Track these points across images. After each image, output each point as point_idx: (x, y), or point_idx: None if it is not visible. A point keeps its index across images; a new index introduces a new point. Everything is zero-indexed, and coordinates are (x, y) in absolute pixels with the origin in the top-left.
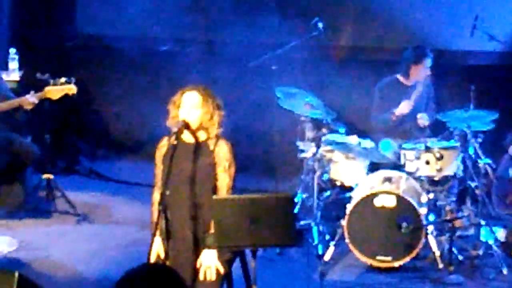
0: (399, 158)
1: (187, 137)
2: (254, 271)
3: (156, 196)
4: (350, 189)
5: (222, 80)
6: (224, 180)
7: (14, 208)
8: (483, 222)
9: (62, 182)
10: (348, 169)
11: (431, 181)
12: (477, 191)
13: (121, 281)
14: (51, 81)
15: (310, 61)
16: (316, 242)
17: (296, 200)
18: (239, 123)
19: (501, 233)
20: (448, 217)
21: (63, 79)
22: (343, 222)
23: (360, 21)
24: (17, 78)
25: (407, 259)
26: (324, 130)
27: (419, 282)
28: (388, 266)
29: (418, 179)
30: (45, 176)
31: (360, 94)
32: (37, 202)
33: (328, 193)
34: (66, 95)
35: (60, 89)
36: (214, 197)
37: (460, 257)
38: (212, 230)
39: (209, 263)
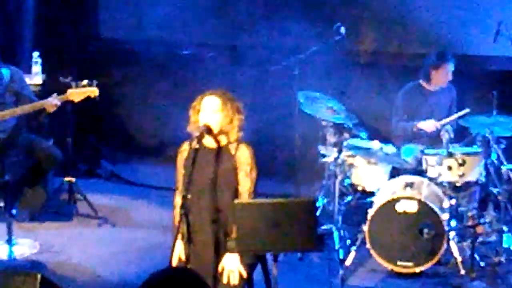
0: (421, 164)
1: (208, 141)
2: (276, 275)
3: (178, 200)
4: (372, 194)
5: (244, 84)
6: (245, 184)
7: (36, 211)
8: (505, 228)
9: (84, 185)
10: (370, 174)
11: (453, 186)
12: (499, 197)
13: (145, 284)
14: (74, 84)
15: (332, 66)
16: (337, 247)
17: (317, 204)
18: (260, 127)
19: None
20: (470, 223)
21: (85, 82)
22: (364, 227)
23: (382, 26)
24: (40, 82)
25: (429, 265)
26: (345, 135)
27: None
28: (409, 272)
29: (440, 184)
30: (67, 179)
31: (382, 99)
32: (58, 205)
33: (349, 198)
34: (88, 98)
35: (82, 91)
36: (236, 201)
37: (482, 264)
38: (233, 235)
39: (232, 267)
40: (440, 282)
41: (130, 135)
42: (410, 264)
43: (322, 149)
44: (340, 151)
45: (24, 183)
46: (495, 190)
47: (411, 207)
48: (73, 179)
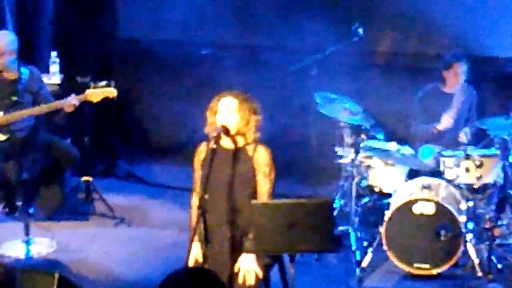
0: (438, 165)
1: (225, 142)
2: (293, 276)
3: (195, 200)
4: (389, 195)
5: (262, 84)
6: (264, 186)
7: (53, 210)
8: None
9: (100, 185)
10: (387, 176)
11: (471, 188)
12: None
13: (163, 284)
14: (92, 84)
15: (350, 67)
16: (353, 248)
17: (334, 205)
18: (278, 128)
19: None
20: (487, 225)
21: (103, 82)
22: (381, 229)
23: (400, 27)
24: (58, 81)
25: (446, 267)
26: (363, 136)
27: None
28: (426, 274)
29: (457, 186)
30: (84, 178)
31: (400, 100)
32: (75, 204)
33: (366, 199)
34: (106, 98)
35: (100, 92)
36: (253, 202)
37: (499, 266)
38: (250, 235)
39: (248, 267)
40: (457, 284)
41: (147, 135)
42: (427, 266)
43: (339, 150)
44: (357, 152)
45: (41, 182)
46: None
47: (428, 209)
48: (90, 179)
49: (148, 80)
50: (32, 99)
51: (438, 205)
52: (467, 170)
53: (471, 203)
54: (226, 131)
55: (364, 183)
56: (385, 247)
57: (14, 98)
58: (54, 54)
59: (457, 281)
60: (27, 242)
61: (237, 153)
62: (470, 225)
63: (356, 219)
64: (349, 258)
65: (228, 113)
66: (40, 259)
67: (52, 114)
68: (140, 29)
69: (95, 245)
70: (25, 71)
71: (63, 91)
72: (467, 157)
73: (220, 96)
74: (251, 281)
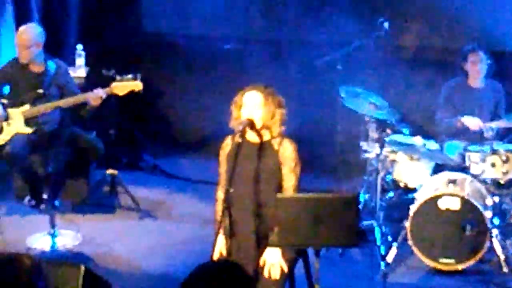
0: (464, 160)
1: (250, 136)
2: (317, 270)
3: (220, 194)
4: (414, 190)
5: (287, 79)
6: (290, 180)
7: (78, 203)
8: None
9: (125, 178)
10: (412, 170)
11: (497, 184)
12: None
13: (190, 276)
14: (117, 77)
15: (375, 61)
16: (378, 243)
17: (359, 200)
18: (303, 122)
19: None
20: None
21: (129, 76)
22: (406, 224)
23: (426, 21)
24: (84, 74)
25: (471, 262)
26: (388, 131)
27: (483, 286)
28: (451, 269)
29: (483, 181)
30: (109, 171)
31: (426, 95)
32: (100, 197)
33: (391, 194)
34: (131, 92)
35: (126, 85)
36: (278, 195)
37: None
38: (275, 229)
39: (273, 260)
40: (482, 280)
41: (172, 128)
42: (452, 261)
43: (364, 145)
44: (382, 147)
45: (67, 175)
46: None
47: (454, 204)
48: (116, 172)
49: (173, 73)
50: (58, 92)
51: (464, 200)
52: (493, 165)
53: (497, 198)
54: (252, 125)
55: (389, 177)
56: (410, 242)
57: (41, 91)
58: (80, 47)
59: (482, 277)
60: (53, 235)
61: (262, 147)
62: (496, 221)
63: (381, 214)
64: (374, 253)
65: (253, 108)
66: (65, 251)
67: (78, 107)
68: (165, 23)
69: (120, 238)
70: (51, 64)
71: (88, 84)
72: (493, 152)
73: (245, 90)
74: (276, 275)
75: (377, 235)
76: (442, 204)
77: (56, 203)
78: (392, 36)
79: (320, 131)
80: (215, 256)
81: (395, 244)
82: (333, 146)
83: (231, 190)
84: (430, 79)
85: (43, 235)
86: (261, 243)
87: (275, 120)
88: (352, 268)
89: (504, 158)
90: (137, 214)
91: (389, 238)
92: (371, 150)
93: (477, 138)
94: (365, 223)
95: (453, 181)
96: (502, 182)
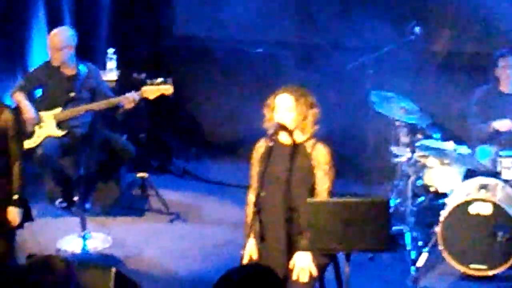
0: (495, 166)
1: (283, 138)
2: (348, 275)
3: (251, 197)
4: (445, 195)
5: (318, 83)
6: (324, 183)
7: (109, 206)
8: None
9: (156, 181)
10: (443, 175)
11: None
12: None
13: (220, 280)
14: (148, 81)
15: (406, 66)
16: (409, 248)
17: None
18: (333, 126)
19: None
20: None
21: (160, 79)
22: (437, 229)
23: (458, 25)
24: (115, 78)
25: (503, 268)
26: (419, 135)
27: None
28: (482, 275)
29: None
30: (140, 174)
31: (457, 99)
32: (131, 200)
33: (422, 199)
34: (162, 95)
35: (156, 89)
36: (309, 200)
37: None
38: (306, 233)
39: (303, 264)
40: None
41: (202, 132)
42: (483, 267)
43: (394, 149)
44: (413, 152)
45: (98, 178)
46: None
47: (485, 209)
48: (146, 175)
49: (204, 77)
50: (90, 95)
51: (495, 205)
52: None
53: None
54: (284, 128)
55: (419, 182)
56: (440, 247)
57: (72, 94)
58: (111, 50)
59: None
60: (84, 237)
61: (295, 149)
62: None
63: (412, 219)
64: (404, 258)
65: (285, 111)
66: (96, 254)
67: (111, 110)
68: (196, 26)
69: (150, 241)
70: (83, 67)
71: (119, 87)
72: None
73: (277, 92)
74: (305, 278)
75: (408, 240)
76: (473, 209)
77: (87, 205)
78: (424, 40)
79: (350, 135)
80: (245, 260)
81: (425, 250)
82: (364, 151)
83: (262, 194)
84: (461, 84)
85: (74, 238)
86: (292, 248)
87: (308, 121)
88: (383, 273)
89: None
90: (167, 217)
91: (420, 243)
92: (402, 154)
93: (509, 143)
94: (396, 228)
95: (485, 187)
96: None
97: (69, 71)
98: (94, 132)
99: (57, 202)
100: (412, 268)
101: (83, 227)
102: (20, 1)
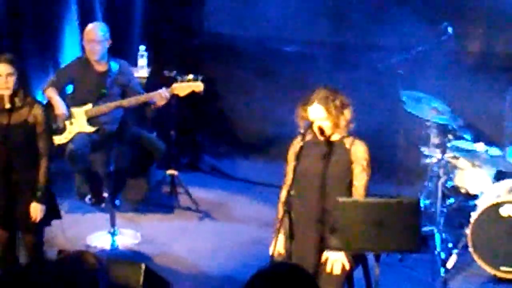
0: None
1: (319, 136)
2: (377, 275)
3: (284, 193)
4: (475, 197)
5: (348, 82)
6: (361, 179)
7: (138, 202)
8: None
9: (185, 179)
10: (474, 177)
11: None
12: None
13: (252, 279)
14: (179, 78)
15: (438, 66)
16: (438, 249)
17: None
18: (364, 126)
19: None
20: None
21: (190, 76)
22: (467, 231)
23: (491, 26)
24: (146, 75)
25: None
26: (449, 136)
27: None
28: None
29: None
30: (169, 172)
31: (489, 101)
32: (160, 197)
33: (452, 200)
34: (192, 92)
35: (187, 86)
36: (340, 199)
37: None
38: (336, 233)
39: (336, 257)
40: None
41: (232, 130)
42: None
43: (425, 150)
44: (443, 153)
45: (127, 175)
46: None
47: None
48: (176, 172)
49: (234, 75)
50: (120, 92)
51: None
52: None
53: None
54: (321, 131)
55: (450, 183)
56: (470, 249)
57: (103, 90)
58: (142, 47)
59: None
60: (113, 233)
61: (333, 146)
62: None
63: (441, 220)
64: (434, 259)
65: (319, 120)
66: (125, 250)
67: (141, 107)
68: (227, 24)
69: (179, 238)
70: (114, 64)
71: (150, 84)
72: None
73: (307, 103)
74: (338, 271)
75: (437, 241)
76: (504, 211)
77: (117, 202)
78: (456, 40)
79: (381, 135)
80: (275, 254)
81: (455, 251)
82: (394, 151)
83: (292, 193)
84: (494, 84)
85: (103, 234)
86: (322, 248)
87: (342, 120)
88: (412, 274)
89: None
90: (196, 214)
91: (449, 245)
92: (432, 155)
93: None
94: (425, 229)
95: None
96: None
97: (100, 67)
98: (125, 128)
99: (86, 198)
100: (442, 269)
101: (112, 223)
102: None
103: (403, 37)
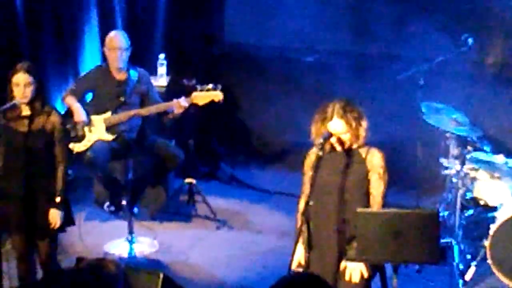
0: None
1: (337, 145)
2: (395, 287)
3: (302, 204)
4: (494, 209)
5: (369, 92)
6: (378, 187)
7: (156, 211)
8: None
9: (203, 188)
10: (493, 189)
11: None
12: None
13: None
14: (198, 87)
15: (458, 77)
16: (456, 261)
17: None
18: (383, 136)
19: None
20: None
21: (210, 86)
22: (486, 243)
23: (511, 37)
24: (165, 83)
25: None
26: (469, 148)
27: None
28: None
29: None
30: (187, 180)
31: (509, 112)
32: (178, 205)
33: (470, 212)
34: (211, 101)
35: (207, 95)
36: (359, 210)
37: None
38: (354, 243)
39: (354, 265)
40: None
41: (251, 139)
42: None
43: (444, 161)
44: (463, 164)
45: (146, 183)
46: None
47: None
48: (194, 181)
49: (253, 84)
50: (139, 100)
51: None
52: None
53: None
54: (340, 143)
55: (469, 195)
56: (489, 261)
57: (122, 98)
58: (162, 56)
59: None
60: (131, 241)
61: (349, 155)
62: None
63: (460, 232)
64: (452, 271)
65: (339, 134)
66: (142, 258)
67: (159, 115)
68: (247, 34)
69: (196, 247)
70: (133, 72)
71: (169, 93)
72: None
73: (324, 118)
74: (356, 279)
75: (456, 253)
76: None
77: (135, 210)
78: (476, 51)
79: (399, 146)
80: (294, 265)
81: (473, 263)
82: (413, 162)
83: (311, 203)
84: None
85: (121, 241)
86: (342, 258)
87: (359, 130)
88: (430, 286)
89: None
90: (213, 223)
91: (468, 257)
92: (451, 166)
93: None
94: (444, 240)
95: None
96: None
97: (120, 75)
98: (143, 137)
99: (105, 206)
100: (460, 281)
101: (130, 231)
102: (73, 6)
103: (424, 48)
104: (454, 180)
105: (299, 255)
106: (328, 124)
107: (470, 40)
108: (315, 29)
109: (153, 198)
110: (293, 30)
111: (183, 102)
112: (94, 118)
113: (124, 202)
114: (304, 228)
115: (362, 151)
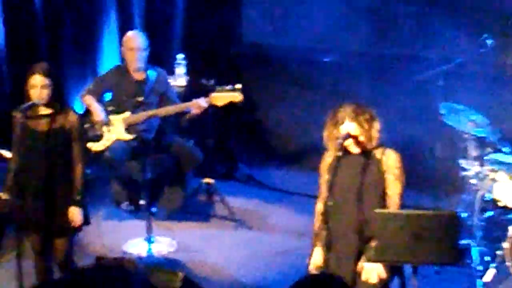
0: None
1: (352, 147)
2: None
3: (319, 206)
4: None
5: (387, 93)
6: (395, 188)
7: (175, 210)
8: None
9: (221, 187)
10: None
11: None
12: None
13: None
14: (217, 88)
15: (477, 78)
16: (475, 262)
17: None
18: (401, 137)
19: None
20: None
21: (229, 86)
22: (505, 245)
23: None
24: (184, 84)
25: None
26: (488, 149)
27: None
28: None
29: None
30: (206, 180)
31: None
32: (196, 205)
33: (490, 213)
34: (230, 102)
35: (225, 96)
36: (377, 211)
37: None
38: (373, 244)
39: (372, 266)
40: None
41: (269, 140)
42: None
43: (463, 163)
44: (482, 165)
45: (164, 182)
46: None
47: None
48: (212, 181)
49: (272, 85)
50: (158, 100)
51: None
52: None
53: None
54: (353, 138)
55: (488, 196)
56: (508, 263)
57: (140, 98)
58: (180, 56)
59: None
60: (149, 241)
61: (365, 157)
62: None
63: (479, 234)
64: (471, 272)
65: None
66: (161, 257)
67: (177, 115)
68: (266, 34)
69: (214, 247)
70: (152, 72)
71: (187, 93)
72: None
73: (336, 122)
74: (374, 280)
75: (475, 255)
76: None
77: (153, 209)
78: (496, 53)
79: (418, 147)
80: (311, 267)
81: (492, 265)
82: (431, 163)
83: (330, 203)
84: None
85: (139, 241)
86: (361, 259)
87: (373, 132)
88: (448, 287)
89: None
90: (231, 223)
91: (487, 258)
92: (470, 168)
93: None
94: (463, 242)
95: None
96: None
97: (138, 75)
98: (162, 136)
99: (123, 205)
100: (479, 283)
101: (149, 230)
102: (92, 7)
103: (443, 49)
104: (473, 181)
105: (318, 257)
106: (340, 127)
107: (489, 41)
108: (334, 30)
109: (171, 197)
110: (312, 31)
111: (202, 102)
112: (113, 118)
113: (142, 202)
114: (323, 229)
115: (377, 152)
